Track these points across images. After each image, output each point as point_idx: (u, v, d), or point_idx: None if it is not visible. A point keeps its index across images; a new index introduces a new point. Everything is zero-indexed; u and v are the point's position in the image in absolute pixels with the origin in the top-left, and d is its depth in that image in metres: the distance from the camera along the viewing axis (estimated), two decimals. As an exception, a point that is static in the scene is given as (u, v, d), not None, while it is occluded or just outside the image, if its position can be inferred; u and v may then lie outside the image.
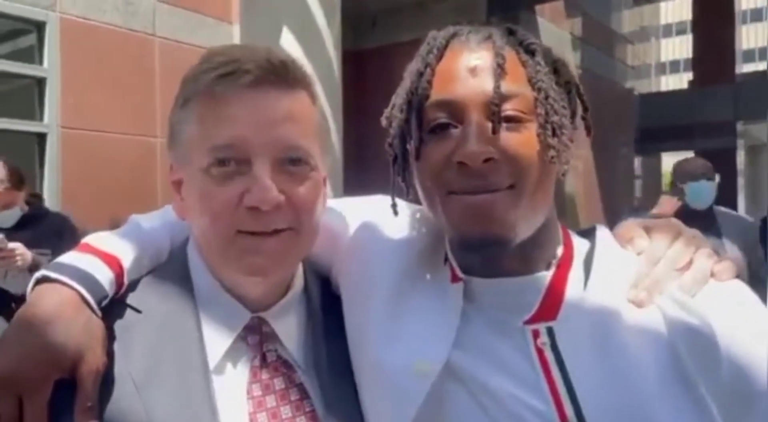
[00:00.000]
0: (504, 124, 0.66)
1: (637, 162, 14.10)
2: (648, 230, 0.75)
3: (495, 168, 0.65)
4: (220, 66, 0.67)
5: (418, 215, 0.85)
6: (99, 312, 0.69)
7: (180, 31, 5.02)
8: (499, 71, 0.66)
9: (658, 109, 11.98)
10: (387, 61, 6.44)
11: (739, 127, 11.71)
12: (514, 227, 0.67)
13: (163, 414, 0.65)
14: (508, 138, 0.66)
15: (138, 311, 0.72)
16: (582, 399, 0.64)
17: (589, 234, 0.77)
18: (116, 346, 0.68)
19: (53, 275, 0.69)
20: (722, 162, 11.53)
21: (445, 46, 0.71)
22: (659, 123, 11.61)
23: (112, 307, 0.71)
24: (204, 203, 0.68)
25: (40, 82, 4.31)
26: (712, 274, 0.68)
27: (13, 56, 4.40)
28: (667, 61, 43.99)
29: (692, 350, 0.63)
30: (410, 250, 0.81)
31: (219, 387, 0.70)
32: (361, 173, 5.70)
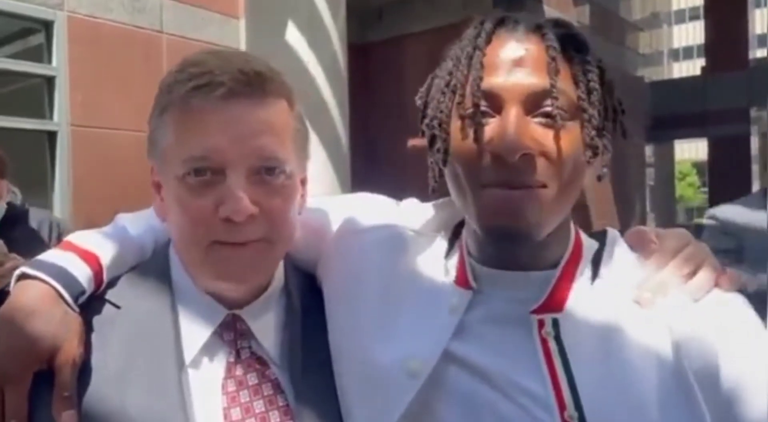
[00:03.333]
0: (544, 120, 0.65)
1: (650, 150, 13.95)
2: (659, 237, 0.75)
3: (531, 164, 0.64)
4: (194, 77, 0.68)
5: (414, 210, 0.86)
6: (75, 307, 0.72)
7: (187, 28, 5.03)
8: (554, 65, 0.65)
9: (670, 96, 11.83)
10: (393, 54, 6.42)
11: (753, 113, 11.53)
12: (541, 225, 0.67)
13: (137, 405, 0.68)
14: (548, 135, 0.65)
15: (117, 306, 0.75)
16: (581, 389, 0.65)
17: (599, 236, 0.77)
18: (94, 340, 0.71)
19: (31, 272, 0.72)
20: (735, 149, 11.41)
21: (493, 32, 0.69)
22: (671, 110, 11.46)
23: (92, 303, 0.74)
24: (180, 212, 0.70)
25: (50, 81, 4.34)
26: (716, 284, 0.69)
27: (22, 55, 4.43)
28: (680, 48, 43.38)
29: (693, 358, 0.64)
30: (404, 246, 0.81)
31: (195, 382, 0.72)
32: (368, 166, 5.70)
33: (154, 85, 0.75)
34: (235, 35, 5.28)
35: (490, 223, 0.67)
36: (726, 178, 10.83)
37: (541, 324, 0.69)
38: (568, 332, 0.68)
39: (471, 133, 0.66)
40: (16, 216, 2.26)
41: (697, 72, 13.47)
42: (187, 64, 0.71)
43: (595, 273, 0.72)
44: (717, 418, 0.62)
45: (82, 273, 0.74)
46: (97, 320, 0.73)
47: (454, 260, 0.77)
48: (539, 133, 0.65)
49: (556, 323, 0.69)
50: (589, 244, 0.75)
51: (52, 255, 0.75)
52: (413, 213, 0.85)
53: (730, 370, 0.63)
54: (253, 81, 0.69)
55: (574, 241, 0.74)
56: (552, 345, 0.68)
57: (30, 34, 4.46)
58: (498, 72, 0.66)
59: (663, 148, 15.62)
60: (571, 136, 0.66)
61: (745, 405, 0.63)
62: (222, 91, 0.67)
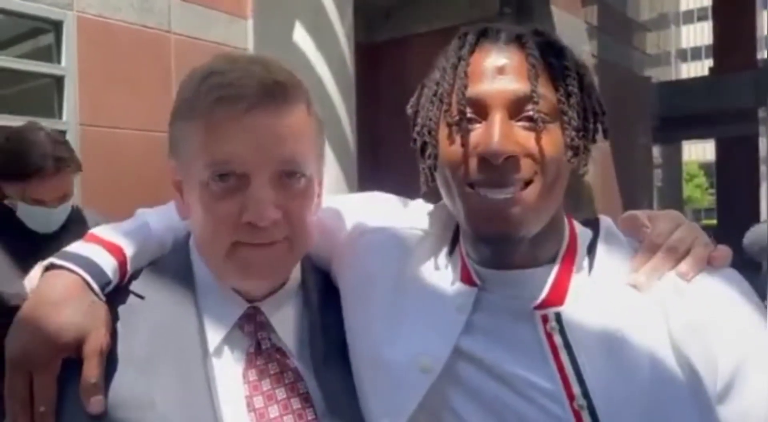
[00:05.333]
0: (527, 123, 0.68)
1: (657, 151, 13.89)
2: (650, 219, 0.77)
3: (515, 165, 0.68)
4: (217, 89, 0.69)
5: (421, 211, 0.87)
6: (102, 297, 0.74)
7: (195, 28, 5.05)
8: (534, 72, 0.68)
9: (677, 97, 11.78)
10: (401, 54, 6.42)
11: (761, 113, 11.46)
12: (528, 225, 0.69)
13: (164, 392, 0.70)
14: (531, 137, 0.68)
15: (141, 297, 0.76)
16: (588, 379, 0.67)
17: (592, 223, 0.79)
18: (120, 329, 0.73)
19: (59, 262, 0.74)
20: (744, 150, 11.36)
21: (476, 43, 0.73)
22: (679, 111, 11.41)
23: (117, 293, 0.76)
24: (204, 216, 0.72)
25: (59, 81, 4.37)
26: (709, 261, 0.71)
27: (31, 55, 4.46)
28: (688, 48, 43.13)
29: (690, 339, 0.66)
30: (411, 246, 0.83)
31: (218, 372, 0.74)
32: (375, 166, 5.71)
33: (163, 85, 0.76)
34: (243, 35, 5.30)
35: (478, 229, 0.70)
36: (734, 179, 10.79)
37: (544, 319, 0.71)
38: (571, 325, 0.70)
39: (458, 138, 0.70)
40: (79, 219, 2.10)
41: (705, 72, 13.40)
42: (208, 73, 0.72)
43: (591, 263, 0.74)
44: (719, 396, 0.64)
45: (108, 263, 0.75)
46: (122, 310, 0.75)
47: (457, 259, 0.79)
48: (522, 136, 0.68)
49: (559, 317, 0.71)
50: (584, 235, 0.77)
51: (78, 247, 0.77)
52: (421, 214, 0.87)
53: (729, 349, 0.65)
54: (275, 92, 0.71)
55: (569, 234, 0.76)
56: (557, 339, 0.70)
57: (39, 33, 4.49)
58: (482, 80, 0.70)
59: (670, 149, 15.56)
60: (553, 137, 0.69)
61: (745, 383, 0.64)
62: (244, 105, 0.69)
